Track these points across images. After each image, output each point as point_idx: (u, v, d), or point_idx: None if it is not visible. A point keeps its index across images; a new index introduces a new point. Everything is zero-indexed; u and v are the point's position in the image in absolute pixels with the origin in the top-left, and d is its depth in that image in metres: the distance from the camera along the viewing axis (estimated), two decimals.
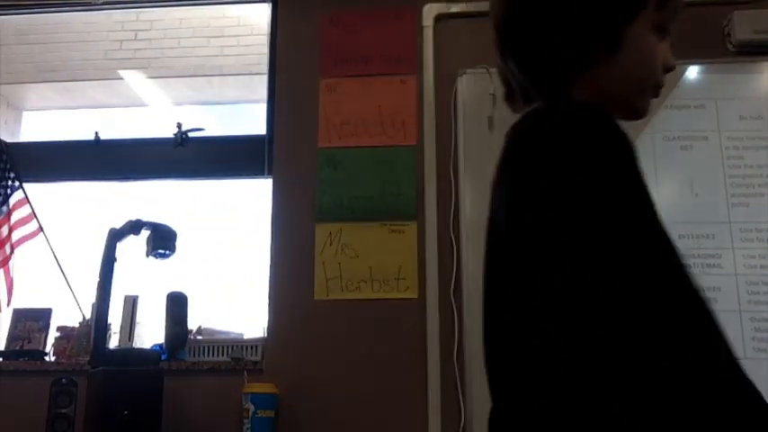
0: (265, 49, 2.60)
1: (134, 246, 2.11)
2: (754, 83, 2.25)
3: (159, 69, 2.97)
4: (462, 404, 2.06)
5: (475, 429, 2.01)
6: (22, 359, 2.32)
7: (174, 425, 2.09)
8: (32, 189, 2.64)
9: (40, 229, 2.57)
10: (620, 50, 0.76)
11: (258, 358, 2.23)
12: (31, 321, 2.44)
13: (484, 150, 2.25)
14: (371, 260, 2.24)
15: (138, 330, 2.37)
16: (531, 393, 0.62)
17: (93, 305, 2.26)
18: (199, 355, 2.26)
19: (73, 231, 2.77)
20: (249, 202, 2.66)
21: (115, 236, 2.06)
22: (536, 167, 0.66)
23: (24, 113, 3.17)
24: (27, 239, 2.56)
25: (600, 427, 0.57)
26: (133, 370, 1.95)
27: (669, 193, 2.16)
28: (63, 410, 1.99)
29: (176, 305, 2.19)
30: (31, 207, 2.59)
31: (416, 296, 2.19)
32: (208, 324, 2.45)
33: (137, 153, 2.68)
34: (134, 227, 2.08)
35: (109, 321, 2.04)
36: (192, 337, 2.28)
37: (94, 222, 2.66)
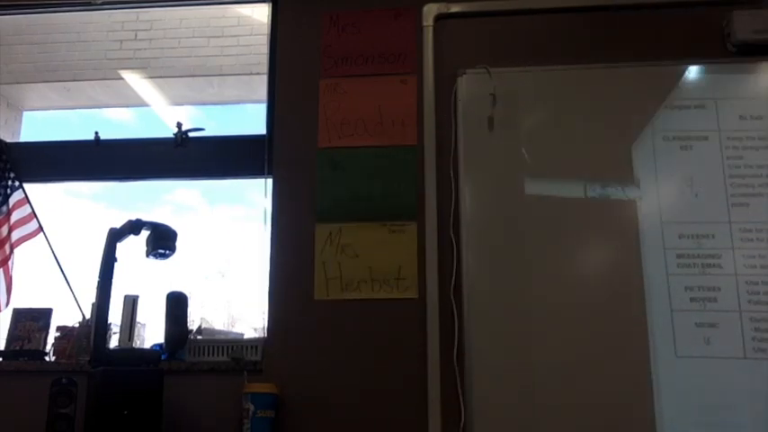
0: (265, 49, 2.60)
1: (134, 246, 2.11)
2: (753, 83, 2.25)
3: (159, 69, 2.97)
4: (462, 404, 2.06)
5: (475, 429, 2.01)
6: (22, 359, 2.32)
7: (174, 425, 2.09)
8: (32, 189, 2.64)
9: (40, 228, 2.57)
10: None
11: (258, 358, 2.23)
12: (31, 321, 2.44)
13: (484, 150, 2.25)
14: (371, 260, 2.24)
15: (138, 330, 2.37)
16: None
17: (93, 305, 2.26)
18: (199, 355, 2.26)
19: (73, 231, 2.77)
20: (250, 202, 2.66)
21: (115, 236, 2.06)
22: None
23: (24, 113, 3.18)
24: (27, 239, 2.57)
25: None
26: (133, 370, 1.95)
27: (669, 193, 2.16)
28: (63, 410, 1.98)
29: (176, 305, 2.19)
30: (31, 207, 2.59)
31: (416, 296, 2.19)
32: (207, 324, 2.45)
33: (137, 153, 2.67)
34: (134, 227, 2.08)
35: (109, 321, 2.03)
36: (191, 337, 2.28)
37: (95, 222, 2.66)
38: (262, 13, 2.75)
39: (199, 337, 2.34)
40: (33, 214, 2.58)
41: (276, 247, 2.32)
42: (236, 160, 2.58)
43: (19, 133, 3.14)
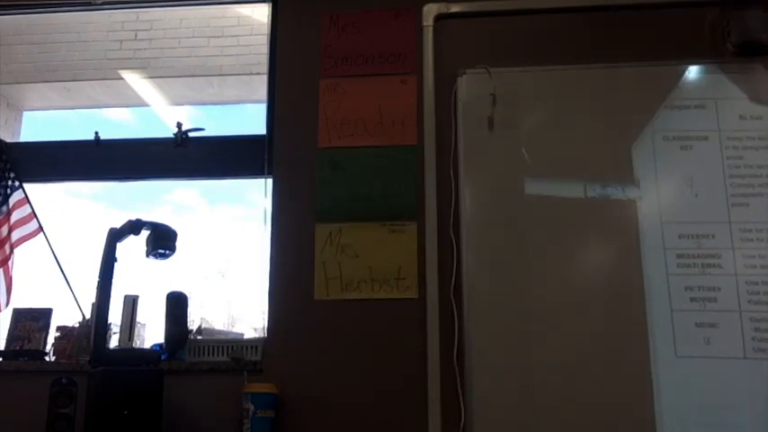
0: (265, 49, 2.60)
1: (134, 246, 2.11)
2: (754, 83, 2.25)
3: (159, 69, 2.97)
4: (462, 404, 2.06)
5: (475, 429, 2.01)
6: (21, 359, 2.32)
7: (174, 425, 2.09)
8: (32, 189, 2.64)
9: (40, 228, 2.57)
10: None
11: (258, 358, 2.23)
12: (31, 321, 2.44)
13: (484, 150, 2.25)
14: (371, 260, 2.24)
15: (138, 330, 2.37)
16: None
17: (93, 305, 2.26)
18: (199, 355, 2.26)
19: (73, 231, 2.77)
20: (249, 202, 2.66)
21: (115, 236, 2.06)
22: None
23: (24, 113, 3.18)
24: (27, 239, 2.57)
25: None
26: (133, 370, 1.95)
27: (669, 193, 2.16)
28: (63, 410, 1.98)
29: (176, 305, 2.19)
30: (31, 207, 2.59)
31: (416, 296, 2.19)
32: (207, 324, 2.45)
33: (137, 153, 2.67)
34: (134, 227, 2.08)
35: (109, 321, 2.03)
36: (191, 337, 2.28)
37: (94, 222, 2.66)
38: (262, 13, 2.75)
39: (199, 337, 2.34)
40: (33, 214, 2.58)
41: (276, 247, 2.32)
42: (236, 160, 2.58)
43: (19, 133, 3.14)
